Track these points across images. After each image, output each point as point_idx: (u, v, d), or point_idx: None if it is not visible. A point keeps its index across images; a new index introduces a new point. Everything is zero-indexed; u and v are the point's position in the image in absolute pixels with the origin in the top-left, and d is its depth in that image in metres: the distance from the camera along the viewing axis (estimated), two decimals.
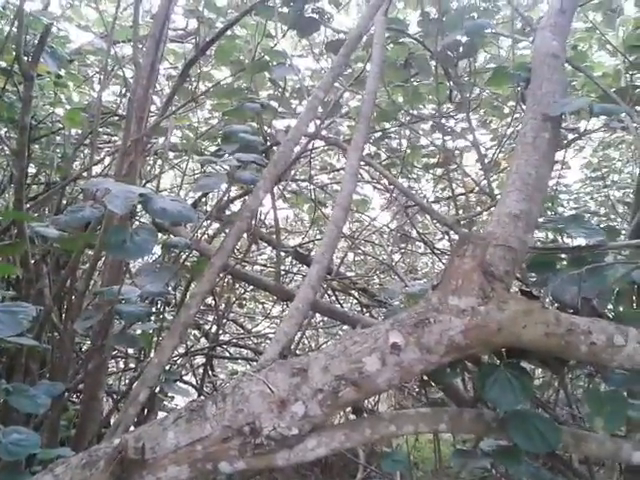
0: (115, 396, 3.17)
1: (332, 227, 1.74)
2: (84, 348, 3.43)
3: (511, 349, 1.47)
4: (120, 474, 1.35)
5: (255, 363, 4.21)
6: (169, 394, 3.05)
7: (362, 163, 3.68)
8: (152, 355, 2.66)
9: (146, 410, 2.66)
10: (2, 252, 2.12)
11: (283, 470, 4.67)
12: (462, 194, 3.44)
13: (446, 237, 4.30)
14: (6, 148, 2.97)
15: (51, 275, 2.61)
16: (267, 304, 5.18)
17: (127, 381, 3.17)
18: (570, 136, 3.17)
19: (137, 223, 2.62)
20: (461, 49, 2.38)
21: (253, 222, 3.39)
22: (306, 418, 1.36)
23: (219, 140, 3.28)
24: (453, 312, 1.38)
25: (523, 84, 2.06)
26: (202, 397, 3.24)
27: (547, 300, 1.50)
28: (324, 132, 2.83)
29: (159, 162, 3.78)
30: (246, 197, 2.96)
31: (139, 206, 1.58)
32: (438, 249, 4.03)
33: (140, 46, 2.66)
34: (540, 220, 1.69)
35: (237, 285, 4.11)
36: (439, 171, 3.99)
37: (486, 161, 3.00)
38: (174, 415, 1.41)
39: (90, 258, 2.62)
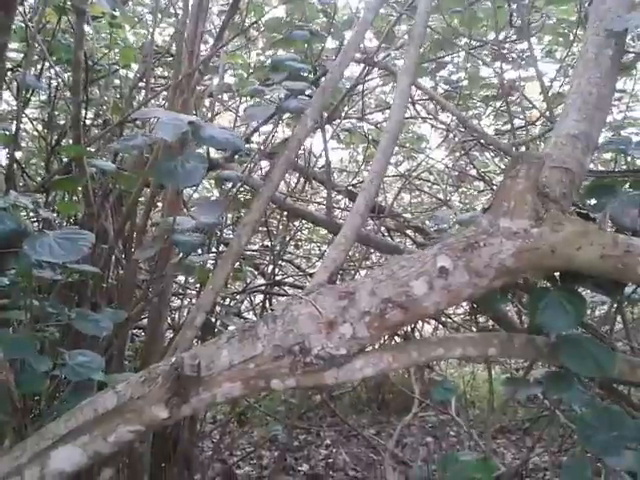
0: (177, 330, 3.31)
1: (379, 156, 1.71)
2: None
3: (564, 273, 1.43)
4: (177, 389, 1.42)
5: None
6: (229, 327, 3.15)
7: (418, 97, 3.60)
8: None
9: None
10: (62, 186, 2.19)
11: (341, 403, 4.83)
12: (523, 126, 3.29)
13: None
14: (66, 92, 3.04)
15: (114, 213, 2.70)
16: (324, 247, 5.23)
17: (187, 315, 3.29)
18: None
19: None
20: None
21: (307, 162, 3.39)
22: (354, 339, 1.38)
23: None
24: (504, 235, 1.35)
25: (587, 1, 1.93)
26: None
27: (606, 223, 1.43)
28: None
29: (214, 104, 3.80)
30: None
31: None
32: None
33: None
34: (600, 142, 1.60)
35: (292, 226, 4.14)
36: (499, 104, 3.82)
37: (550, 92, 2.85)
38: (227, 335, 1.46)
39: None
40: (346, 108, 3.64)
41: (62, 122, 3.20)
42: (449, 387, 1.95)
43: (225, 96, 3.98)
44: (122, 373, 2.20)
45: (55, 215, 2.03)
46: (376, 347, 1.50)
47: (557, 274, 1.46)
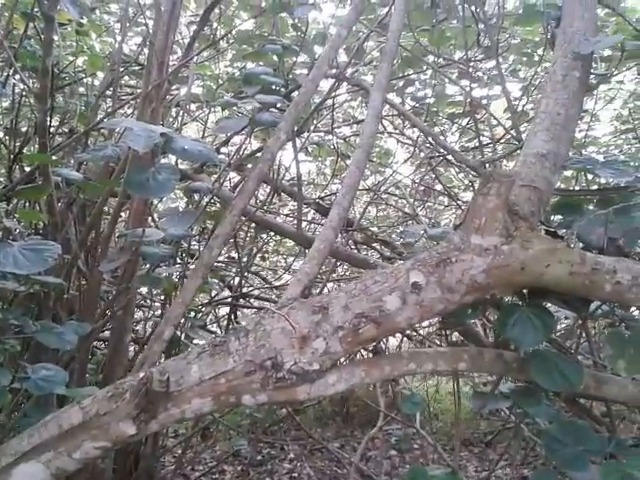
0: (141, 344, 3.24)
1: (353, 169, 1.72)
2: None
3: (533, 289, 1.46)
4: (145, 405, 1.39)
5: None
6: (194, 341, 3.11)
7: (385, 113, 3.64)
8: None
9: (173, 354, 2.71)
10: (26, 195, 2.13)
11: (305, 416, 4.80)
12: (489, 144, 3.36)
13: (470, 189, 4.25)
14: (31, 98, 2.97)
15: (77, 223, 2.64)
16: (290, 259, 5.21)
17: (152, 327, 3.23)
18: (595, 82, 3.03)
19: None
20: None
21: (276, 174, 3.39)
22: (327, 354, 1.37)
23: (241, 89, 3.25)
24: (475, 251, 1.37)
25: (553, 22, 1.98)
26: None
27: (573, 241, 1.47)
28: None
29: (182, 114, 3.76)
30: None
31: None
32: (463, 202, 3.98)
33: None
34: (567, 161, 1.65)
35: (259, 238, 4.12)
36: (465, 122, 3.90)
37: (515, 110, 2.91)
38: (198, 350, 1.43)
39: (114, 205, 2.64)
40: (315, 122, 3.65)
41: (25, 129, 3.13)
42: (417, 401, 1.96)
43: (193, 106, 3.95)
44: (84, 387, 2.15)
45: (17, 224, 1.97)
46: (344, 361, 1.50)
47: (525, 290, 1.48)
